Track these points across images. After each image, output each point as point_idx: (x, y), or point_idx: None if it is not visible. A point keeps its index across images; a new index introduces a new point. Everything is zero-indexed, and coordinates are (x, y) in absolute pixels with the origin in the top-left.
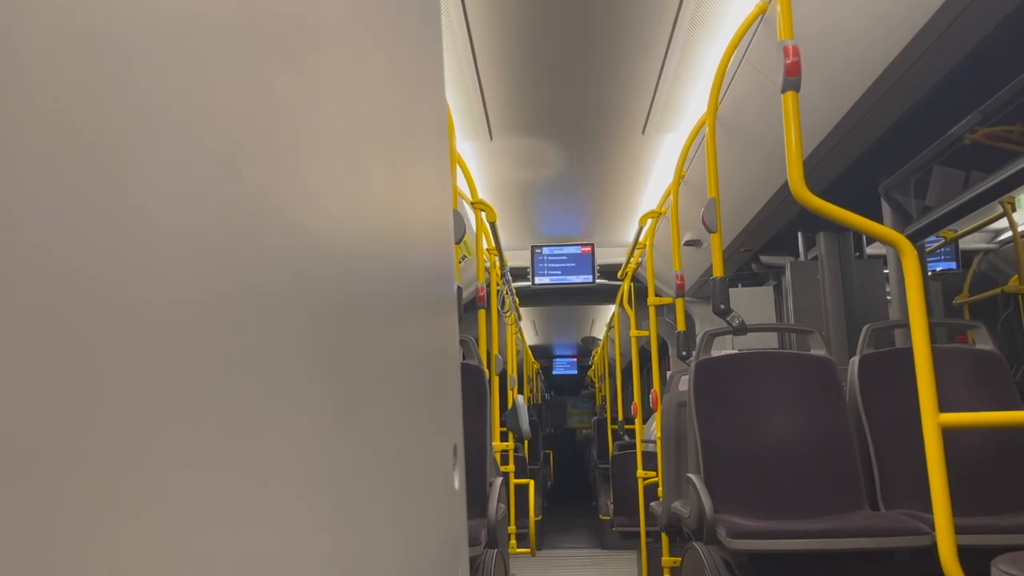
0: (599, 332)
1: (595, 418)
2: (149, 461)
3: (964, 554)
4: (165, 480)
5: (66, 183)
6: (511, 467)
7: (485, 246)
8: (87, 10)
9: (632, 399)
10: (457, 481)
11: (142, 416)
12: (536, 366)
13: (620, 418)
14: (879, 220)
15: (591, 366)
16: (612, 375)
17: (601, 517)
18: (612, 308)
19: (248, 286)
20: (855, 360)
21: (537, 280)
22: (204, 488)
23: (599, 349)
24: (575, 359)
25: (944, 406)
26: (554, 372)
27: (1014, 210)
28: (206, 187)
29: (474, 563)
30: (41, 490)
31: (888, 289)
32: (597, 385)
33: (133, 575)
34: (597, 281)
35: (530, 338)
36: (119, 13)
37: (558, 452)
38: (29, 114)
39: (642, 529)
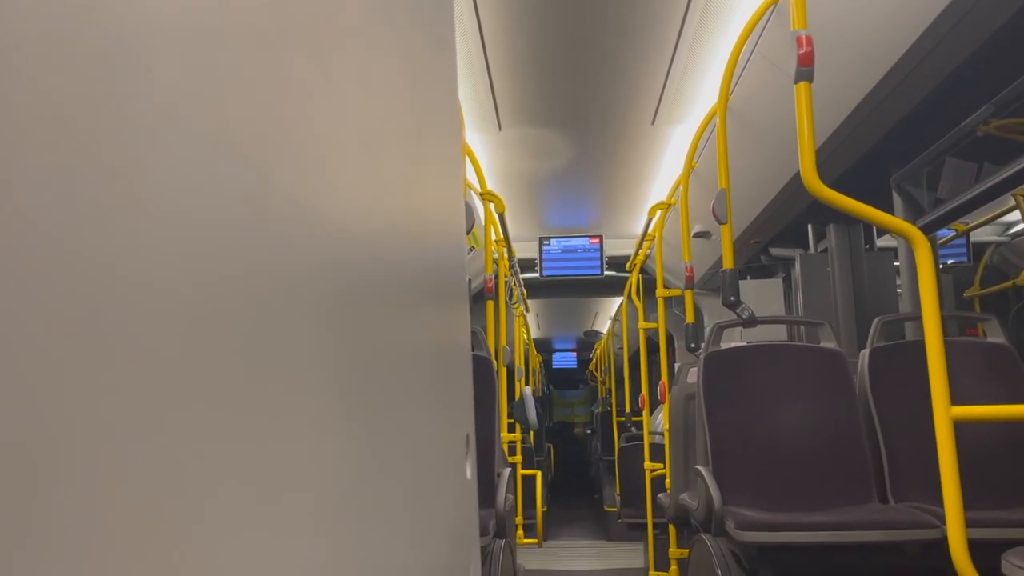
0: (601, 325)
1: (599, 410)
2: (167, 451)
3: (974, 547)
4: (181, 470)
5: (85, 179)
6: (518, 458)
7: (493, 237)
8: (108, 4)
9: (638, 391)
10: (469, 471)
11: (154, 407)
12: (539, 359)
13: (628, 410)
14: (890, 212)
15: (591, 360)
16: (619, 368)
17: (606, 508)
18: (617, 301)
19: (262, 277)
20: (865, 353)
21: (545, 272)
22: (221, 475)
23: (602, 342)
24: (575, 353)
25: (955, 399)
26: (554, 366)
27: None
28: (224, 179)
29: (482, 553)
30: (48, 488)
31: (899, 281)
32: (600, 378)
33: (148, 573)
34: (605, 273)
35: (531, 331)
36: (140, 6)
37: (556, 445)
38: (49, 110)
39: (649, 521)
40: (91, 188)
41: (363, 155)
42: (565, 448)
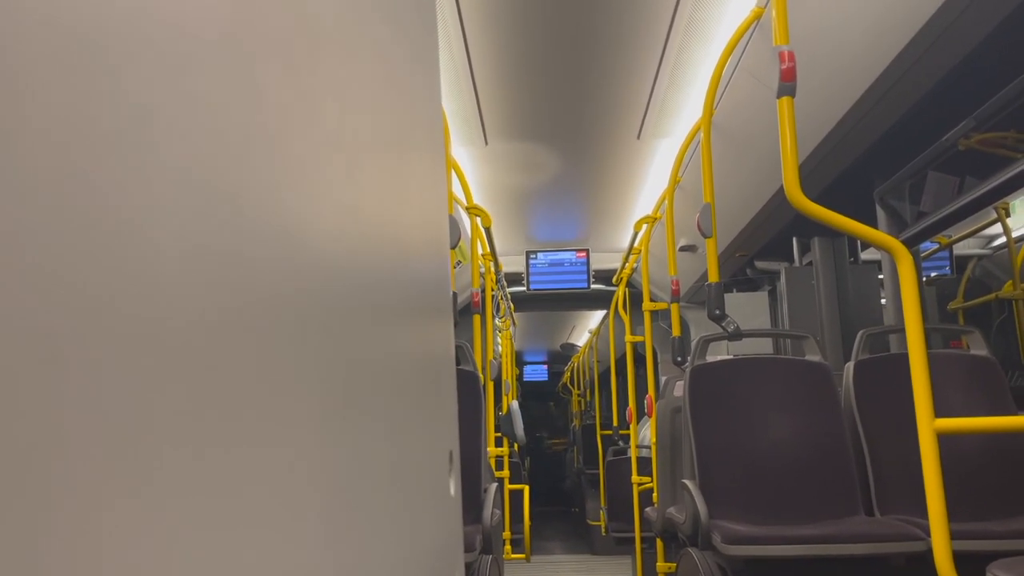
0: (578, 338)
1: (575, 424)
2: (147, 465)
3: (959, 560)
4: (163, 489)
5: (57, 194)
6: (506, 472)
7: (480, 251)
8: (74, 15)
9: (623, 405)
10: (453, 487)
11: (135, 428)
12: (515, 372)
13: (615, 423)
14: (874, 225)
15: (564, 372)
16: (604, 382)
17: (589, 522)
18: (597, 314)
19: (239, 294)
20: (850, 365)
21: (532, 285)
22: (200, 496)
23: (578, 355)
24: (546, 366)
25: (939, 411)
26: (525, 379)
27: (1008, 216)
28: (199, 196)
29: (469, 569)
30: (42, 493)
31: (883, 294)
32: (576, 392)
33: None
34: (592, 287)
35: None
36: (108, 17)
37: (529, 458)
38: (20, 124)
39: (637, 535)
40: (49, 205)
41: (340, 170)
42: (538, 461)
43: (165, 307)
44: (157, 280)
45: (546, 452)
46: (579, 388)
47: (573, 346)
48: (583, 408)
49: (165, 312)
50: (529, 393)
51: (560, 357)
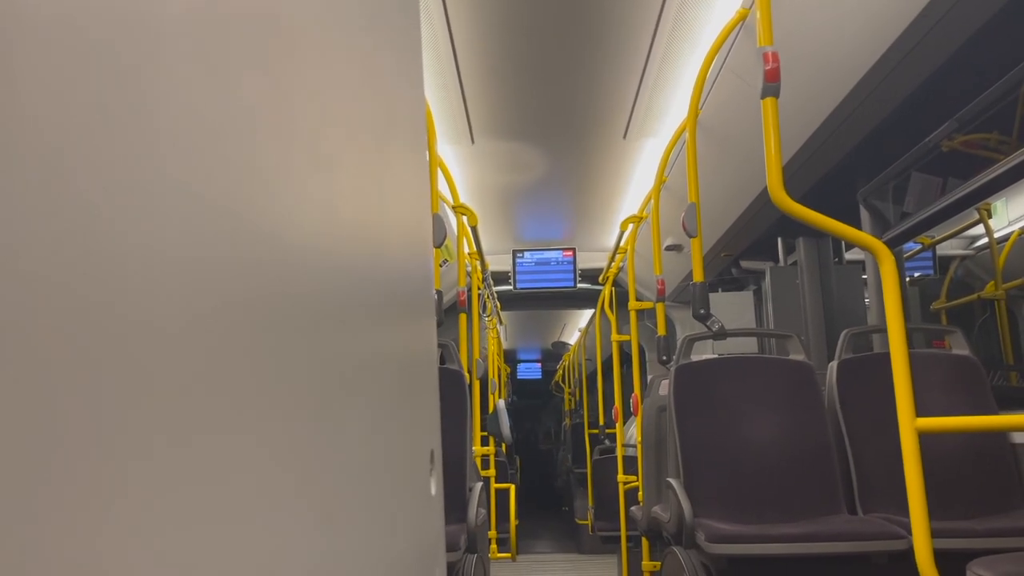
0: (569, 336)
1: (566, 423)
2: (136, 457)
3: (940, 558)
4: (146, 483)
5: (30, 205)
6: (492, 471)
7: (466, 250)
8: (38, 17)
9: (610, 404)
10: (434, 487)
11: (123, 424)
12: (506, 370)
13: (601, 422)
14: (857, 226)
15: (557, 370)
16: (592, 380)
17: (577, 521)
18: (587, 313)
19: (217, 293)
20: (834, 365)
21: (519, 284)
22: (174, 494)
23: (569, 354)
24: (539, 364)
25: (921, 411)
26: (518, 376)
27: (990, 216)
28: (172, 197)
29: (454, 568)
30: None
31: (867, 294)
32: (567, 390)
33: None
34: (578, 285)
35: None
36: (78, 19)
37: (522, 457)
38: None
39: (623, 534)
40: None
41: (317, 168)
42: (530, 460)
43: (146, 306)
44: (135, 279)
45: (539, 450)
46: (570, 386)
47: (564, 344)
48: (573, 407)
49: (147, 311)
50: (522, 391)
51: (553, 355)
